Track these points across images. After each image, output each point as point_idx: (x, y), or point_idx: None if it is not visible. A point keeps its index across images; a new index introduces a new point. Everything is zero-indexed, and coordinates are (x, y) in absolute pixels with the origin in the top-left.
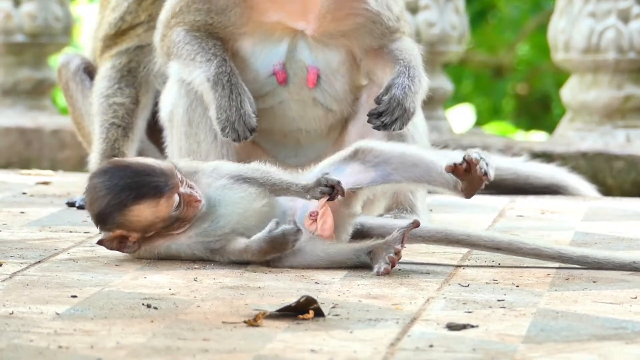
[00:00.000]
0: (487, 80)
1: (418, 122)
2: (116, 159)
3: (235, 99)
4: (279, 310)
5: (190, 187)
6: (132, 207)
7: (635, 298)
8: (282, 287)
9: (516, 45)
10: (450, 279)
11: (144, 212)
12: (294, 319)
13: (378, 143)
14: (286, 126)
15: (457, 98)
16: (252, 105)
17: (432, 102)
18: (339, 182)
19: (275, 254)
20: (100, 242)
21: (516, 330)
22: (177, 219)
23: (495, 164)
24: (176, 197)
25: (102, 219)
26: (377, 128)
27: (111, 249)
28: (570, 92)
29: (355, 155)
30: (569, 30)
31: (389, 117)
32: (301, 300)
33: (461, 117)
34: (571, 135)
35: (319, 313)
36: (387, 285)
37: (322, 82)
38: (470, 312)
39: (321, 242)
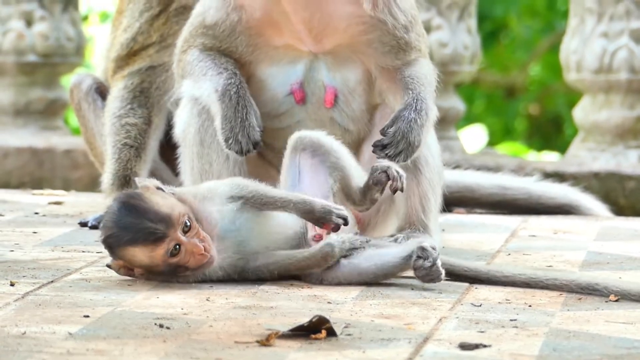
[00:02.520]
0: (499, 101)
1: (431, 144)
2: (134, 192)
3: (241, 111)
4: (291, 330)
5: (201, 239)
6: (127, 247)
7: None
8: (294, 306)
9: (528, 66)
10: (462, 299)
11: (138, 254)
12: (306, 338)
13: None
14: None
15: (469, 118)
16: (257, 119)
17: (445, 122)
18: (346, 218)
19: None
20: (108, 266)
21: (529, 350)
22: (180, 266)
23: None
24: (172, 246)
25: (106, 247)
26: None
27: (119, 274)
28: (582, 112)
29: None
30: (581, 50)
31: (393, 149)
32: (314, 319)
33: (473, 137)
34: (583, 155)
35: (331, 333)
36: (399, 305)
37: (339, 101)
38: (482, 331)
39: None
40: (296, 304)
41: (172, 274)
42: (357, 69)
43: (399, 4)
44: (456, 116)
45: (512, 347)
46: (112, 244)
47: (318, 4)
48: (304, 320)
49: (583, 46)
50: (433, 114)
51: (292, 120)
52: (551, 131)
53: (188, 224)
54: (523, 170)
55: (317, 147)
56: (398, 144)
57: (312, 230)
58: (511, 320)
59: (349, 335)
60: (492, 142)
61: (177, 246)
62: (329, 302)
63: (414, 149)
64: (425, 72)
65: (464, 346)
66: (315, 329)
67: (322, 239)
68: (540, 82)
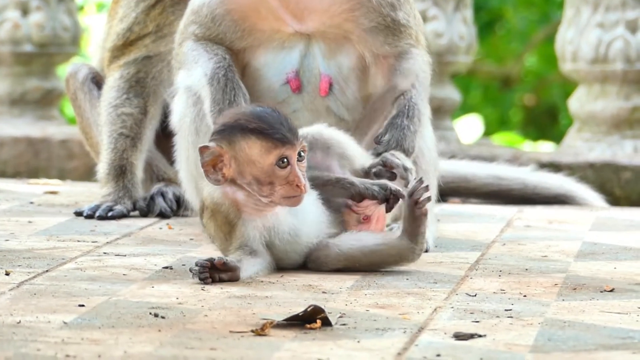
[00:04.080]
0: (495, 91)
1: (426, 135)
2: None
3: (229, 93)
4: (286, 320)
5: (304, 175)
6: (249, 135)
7: None
8: (289, 296)
9: (524, 56)
10: (457, 289)
11: (253, 148)
12: (301, 328)
13: None
14: None
15: (465, 108)
16: (246, 101)
17: (440, 113)
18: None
19: None
20: (205, 147)
21: (523, 340)
22: (271, 183)
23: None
24: (285, 156)
25: (228, 129)
26: None
27: (203, 163)
28: (577, 103)
29: None
30: (576, 40)
31: None
32: (308, 309)
33: (469, 127)
34: (579, 146)
35: (326, 322)
36: (394, 294)
37: (334, 90)
38: (477, 321)
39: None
40: (291, 293)
41: (258, 190)
42: (350, 54)
43: None
44: (452, 106)
45: (507, 337)
46: (238, 126)
47: None
48: (298, 309)
49: (579, 36)
50: (426, 117)
51: (288, 110)
52: (547, 121)
53: (303, 154)
54: (518, 160)
55: (320, 143)
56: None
57: (352, 214)
58: (506, 310)
59: (344, 325)
60: (488, 132)
61: (286, 161)
62: (323, 292)
63: (408, 156)
64: (418, 69)
65: (459, 336)
66: (310, 319)
67: (369, 220)
68: (535, 72)
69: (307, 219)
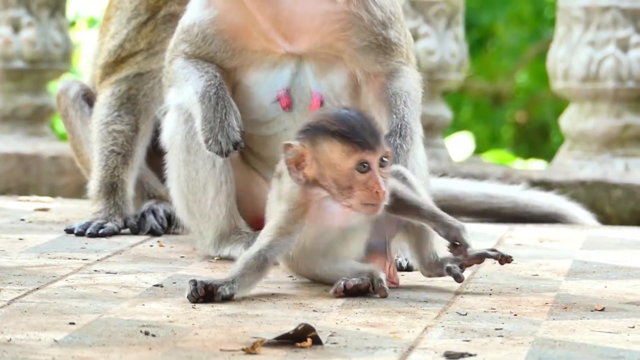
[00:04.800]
0: (486, 108)
1: (418, 153)
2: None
3: (220, 111)
4: (277, 338)
5: (385, 183)
6: (332, 138)
7: (633, 327)
8: (280, 315)
9: (515, 74)
10: (448, 307)
11: (335, 150)
12: (291, 347)
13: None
14: None
15: (456, 126)
16: (237, 119)
17: (432, 130)
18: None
19: None
20: (289, 145)
21: (514, 359)
22: (350, 188)
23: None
24: (365, 161)
25: (309, 129)
26: None
27: (287, 160)
28: (569, 121)
29: None
30: (568, 58)
31: None
32: (299, 328)
33: (460, 144)
34: (570, 164)
35: (316, 341)
36: (385, 313)
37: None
38: (468, 340)
39: None
40: (282, 312)
41: (337, 193)
42: (342, 73)
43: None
44: (443, 124)
45: (497, 356)
46: (320, 127)
47: (280, 1)
48: (289, 328)
49: (570, 54)
50: (418, 135)
51: (279, 128)
52: (538, 139)
53: (386, 160)
54: (509, 178)
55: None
56: None
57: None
58: (497, 329)
59: (335, 343)
60: (479, 150)
61: (367, 166)
62: (314, 310)
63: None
64: (409, 87)
65: (449, 355)
66: (300, 337)
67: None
68: (527, 90)
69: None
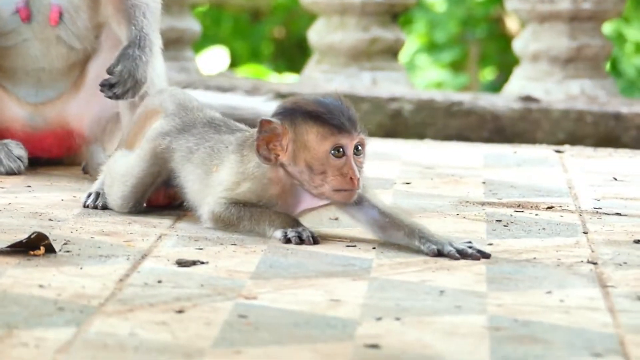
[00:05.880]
0: (245, 24)
1: (157, 65)
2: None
3: None
4: (9, 247)
5: (360, 169)
6: (309, 120)
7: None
8: (15, 223)
9: None
10: (183, 216)
11: (312, 133)
12: (25, 255)
13: None
14: (29, 65)
15: (215, 40)
16: None
17: (180, 43)
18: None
19: None
20: (267, 121)
21: (245, 267)
22: (323, 173)
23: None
24: (340, 145)
25: (288, 110)
26: (109, 98)
27: (260, 137)
28: (317, 34)
29: None
30: None
31: (121, 88)
32: (32, 236)
33: (216, 59)
34: (318, 77)
35: (50, 249)
36: (120, 222)
37: (65, 19)
38: (201, 249)
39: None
40: (17, 221)
41: (309, 180)
42: None
43: None
44: (192, 37)
45: (229, 264)
46: (298, 109)
47: None
48: (24, 237)
49: None
50: (157, 47)
51: (19, 39)
52: (296, 54)
53: (360, 149)
54: (258, 91)
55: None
56: (126, 82)
57: None
58: (230, 238)
59: (68, 252)
60: (238, 65)
61: (342, 150)
62: (50, 220)
63: (141, 86)
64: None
65: (181, 262)
66: (34, 246)
67: None
68: (285, 5)
69: None
